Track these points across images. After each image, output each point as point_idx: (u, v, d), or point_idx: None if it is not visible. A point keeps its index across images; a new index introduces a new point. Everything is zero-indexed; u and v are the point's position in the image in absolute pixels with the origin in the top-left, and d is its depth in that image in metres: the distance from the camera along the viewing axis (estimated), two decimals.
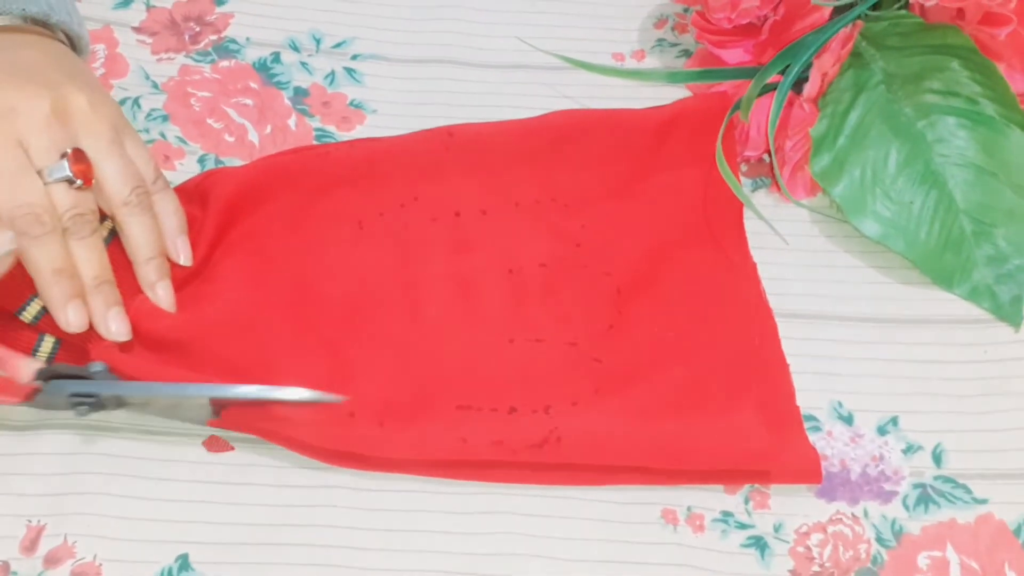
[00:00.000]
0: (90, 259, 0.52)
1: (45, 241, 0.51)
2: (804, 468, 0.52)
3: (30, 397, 0.50)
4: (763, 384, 0.54)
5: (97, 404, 0.51)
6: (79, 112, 0.53)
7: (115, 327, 0.53)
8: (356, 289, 0.57)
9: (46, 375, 0.50)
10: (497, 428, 0.52)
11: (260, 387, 0.50)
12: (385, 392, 0.53)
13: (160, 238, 0.55)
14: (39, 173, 0.51)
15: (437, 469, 0.52)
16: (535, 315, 0.57)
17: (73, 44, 0.59)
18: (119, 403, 0.51)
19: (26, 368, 0.50)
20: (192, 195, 0.59)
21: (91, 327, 0.52)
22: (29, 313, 0.52)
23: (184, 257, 0.56)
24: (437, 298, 0.57)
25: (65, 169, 0.51)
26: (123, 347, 0.53)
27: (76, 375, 0.51)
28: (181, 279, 0.56)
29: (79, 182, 0.51)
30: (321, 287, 0.57)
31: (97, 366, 0.51)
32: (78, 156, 0.52)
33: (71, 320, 0.52)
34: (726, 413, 0.53)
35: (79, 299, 0.52)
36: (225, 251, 0.58)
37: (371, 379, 0.54)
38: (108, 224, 0.55)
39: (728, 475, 0.52)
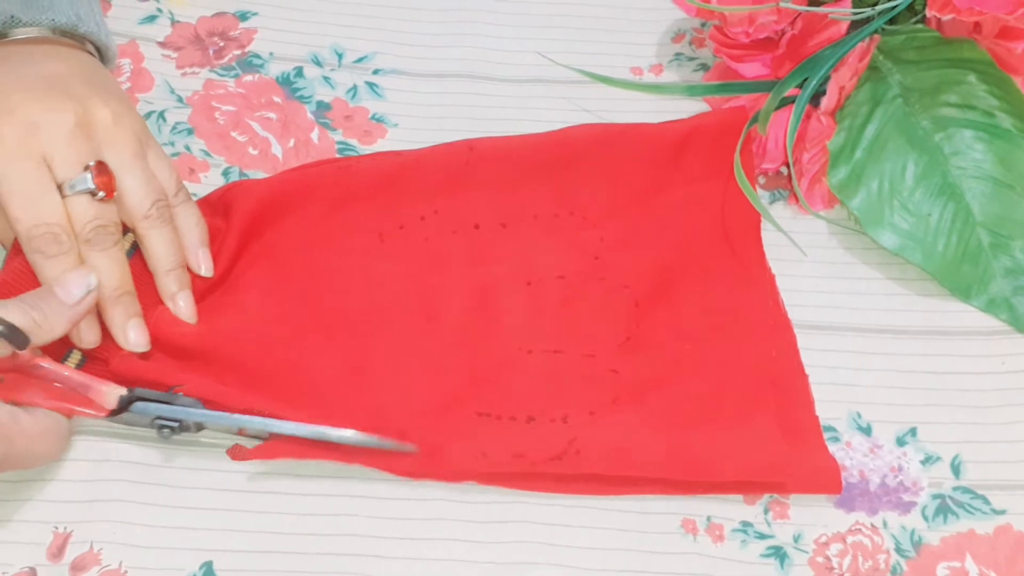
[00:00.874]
0: (111, 270, 0.53)
1: (61, 261, 0.52)
2: (823, 478, 0.52)
3: (114, 415, 0.51)
4: (781, 395, 0.55)
5: (181, 428, 0.51)
6: (103, 125, 0.54)
7: (134, 337, 0.53)
8: (376, 301, 0.58)
9: (130, 399, 0.51)
10: (516, 439, 0.53)
11: (356, 432, 0.51)
12: (405, 403, 0.54)
13: (181, 250, 0.56)
14: (60, 186, 0.52)
15: (460, 476, 0.52)
16: (553, 326, 0.57)
17: (101, 55, 0.60)
18: (199, 427, 0.52)
19: (111, 395, 0.50)
20: (215, 207, 0.59)
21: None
22: (72, 361, 0.54)
23: (205, 269, 0.57)
24: (456, 309, 0.57)
25: (88, 181, 0.52)
26: (143, 356, 0.54)
27: (159, 400, 0.51)
28: (202, 291, 0.57)
29: (101, 194, 0.52)
30: (342, 299, 0.58)
31: (180, 394, 0.52)
32: (101, 168, 0.52)
33: (84, 337, 0.53)
34: (744, 424, 0.53)
35: (92, 316, 0.53)
36: (247, 263, 0.58)
37: (391, 391, 0.54)
38: (130, 237, 0.55)
39: (747, 485, 0.53)
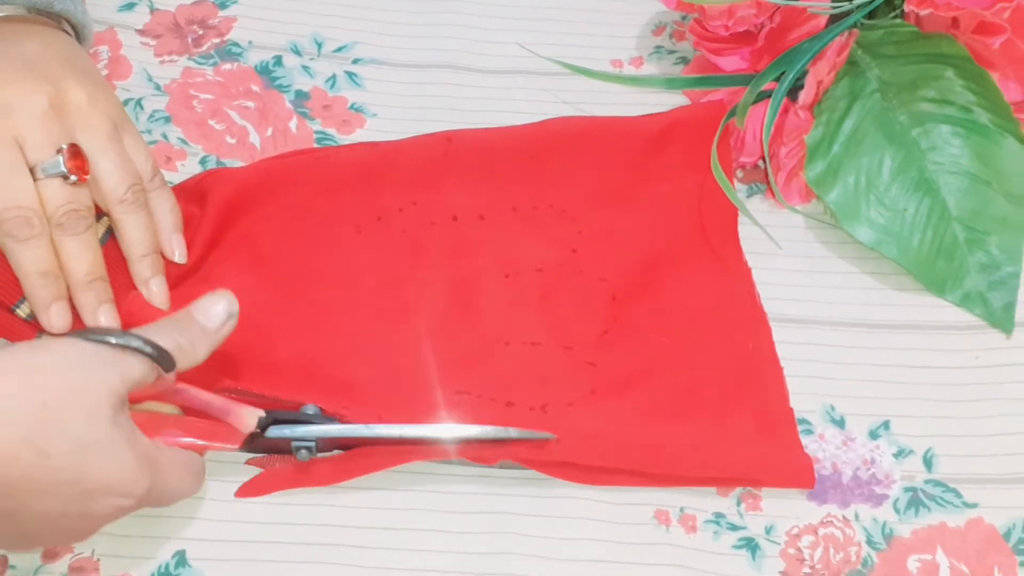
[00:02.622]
0: (83, 255, 0.53)
1: (33, 244, 0.51)
2: (797, 474, 0.53)
3: (249, 443, 0.48)
4: (757, 389, 0.55)
5: (319, 448, 0.49)
6: (77, 107, 0.53)
7: (104, 323, 0.53)
8: (353, 292, 0.58)
9: (265, 422, 0.48)
10: (494, 419, 0.53)
11: (492, 428, 0.51)
12: (383, 392, 0.54)
13: (155, 235, 0.56)
14: (33, 169, 0.51)
15: (437, 452, 0.52)
16: (531, 319, 0.57)
17: (78, 34, 0.60)
18: (336, 445, 0.51)
19: (248, 417, 0.48)
20: (191, 194, 0.59)
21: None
22: (23, 311, 0.53)
23: (179, 255, 0.56)
24: (434, 301, 0.58)
25: (60, 165, 0.51)
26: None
27: (294, 420, 0.49)
28: (176, 277, 0.56)
29: (73, 178, 0.52)
30: (318, 289, 0.57)
31: (311, 408, 0.50)
32: (74, 152, 0.52)
33: (54, 322, 0.52)
34: (721, 418, 0.53)
35: (63, 301, 0.53)
36: (222, 251, 0.58)
37: (368, 381, 0.54)
38: (105, 222, 0.55)
39: (721, 479, 0.53)
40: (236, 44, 0.67)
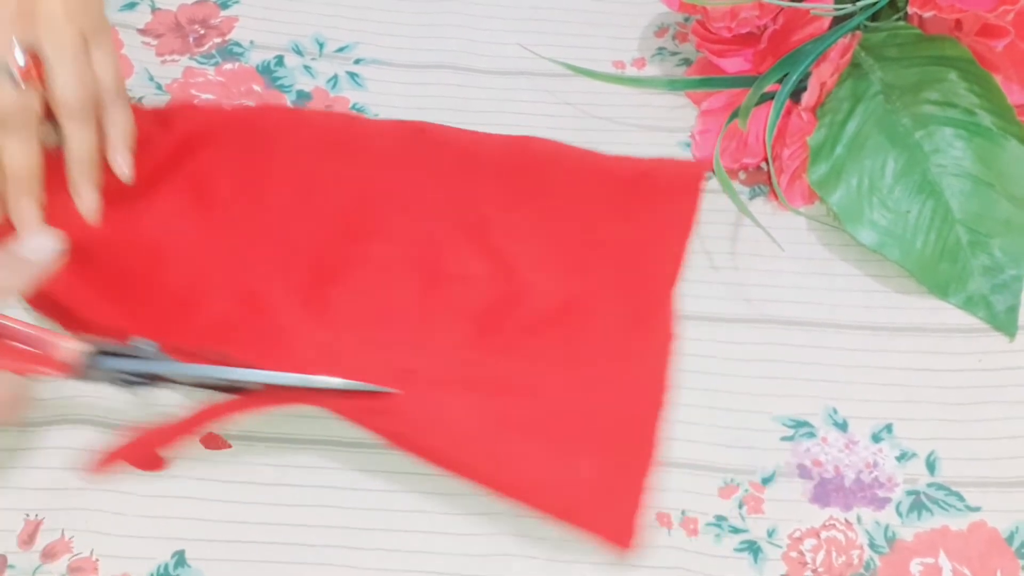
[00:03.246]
0: (17, 154, 0.53)
1: None
2: (616, 532, 0.50)
3: (77, 373, 0.49)
4: (622, 443, 0.53)
5: (146, 381, 0.50)
6: (47, 14, 0.54)
7: (28, 220, 0.54)
8: (278, 250, 0.58)
9: (92, 353, 0.49)
10: (364, 357, 0.53)
11: (342, 380, 0.51)
12: (262, 341, 0.54)
13: (101, 150, 0.56)
14: None
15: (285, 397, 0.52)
16: (428, 303, 0.57)
17: None
18: (169, 381, 0.51)
19: (73, 350, 0.49)
20: (158, 118, 0.59)
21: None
22: None
23: (124, 170, 0.57)
24: (346, 270, 0.58)
25: (10, 68, 0.52)
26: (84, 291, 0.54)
27: (123, 353, 0.50)
28: (117, 194, 0.57)
29: (23, 84, 0.52)
30: (249, 239, 0.58)
31: (142, 343, 0.50)
32: (31, 55, 0.53)
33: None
34: (568, 453, 0.52)
35: None
36: (175, 183, 0.58)
37: (251, 330, 0.55)
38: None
39: (539, 506, 0.51)
40: (238, 44, 0.67)
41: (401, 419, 0.51)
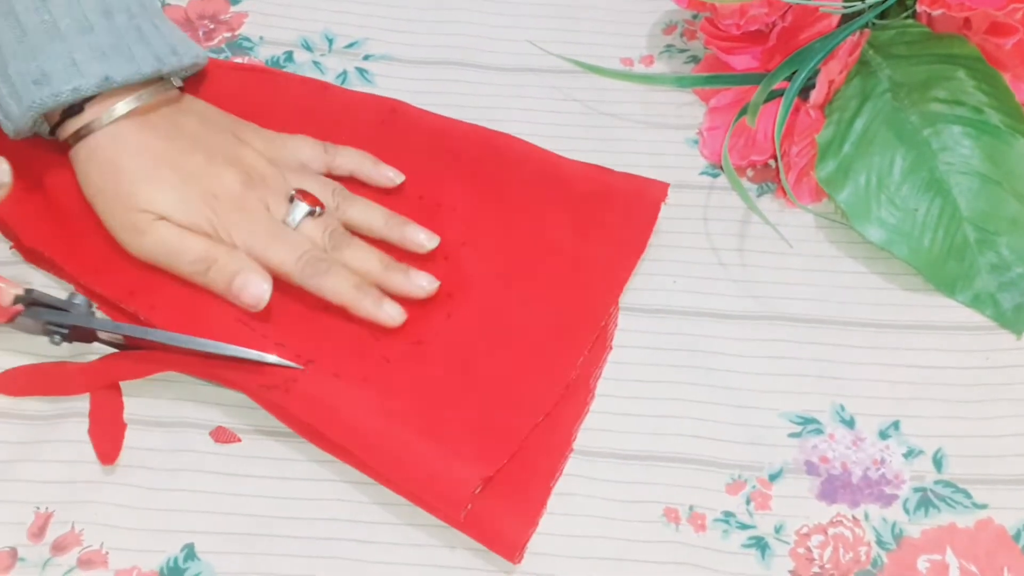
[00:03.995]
0: (369, 255, 0.57)
1: (334, 271, 0.55)
2: (505, 544, 0.50)
3: (9, 320, 0.51)
4: (523, 453, 0.52)
5: (71, 336, 0.53)
6: (274, 157, 0.59)
7: (394, 312, 0.56)
8: None
9: (25, 301, 0.51)
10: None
11: (252, 351, 0.53)
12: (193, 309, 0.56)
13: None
14: (285, 223, 0.56)
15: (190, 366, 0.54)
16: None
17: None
18: (92, 338, 0.54)
19: (6, 293, 0.51)
20: None
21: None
22: None
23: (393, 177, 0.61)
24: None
25: (303, 206, 0.56)
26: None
27: (55, 305, 0.52)
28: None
29: (317, 209, 0.56)
30: None
31: (78, 299, 0.53)
32: (301, 192, 0.57)
33: (394, 315, 0.55)
34: (457, 460, 0.51)
35: (385, 296, 0.56)
36: None
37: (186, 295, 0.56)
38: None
39: (422, 501, 0.51)
40: (247, 39, 0.67)
41: (299, 404, 0.52)
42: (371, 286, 0.56)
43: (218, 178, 0.56)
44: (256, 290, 0.54)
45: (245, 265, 0.54)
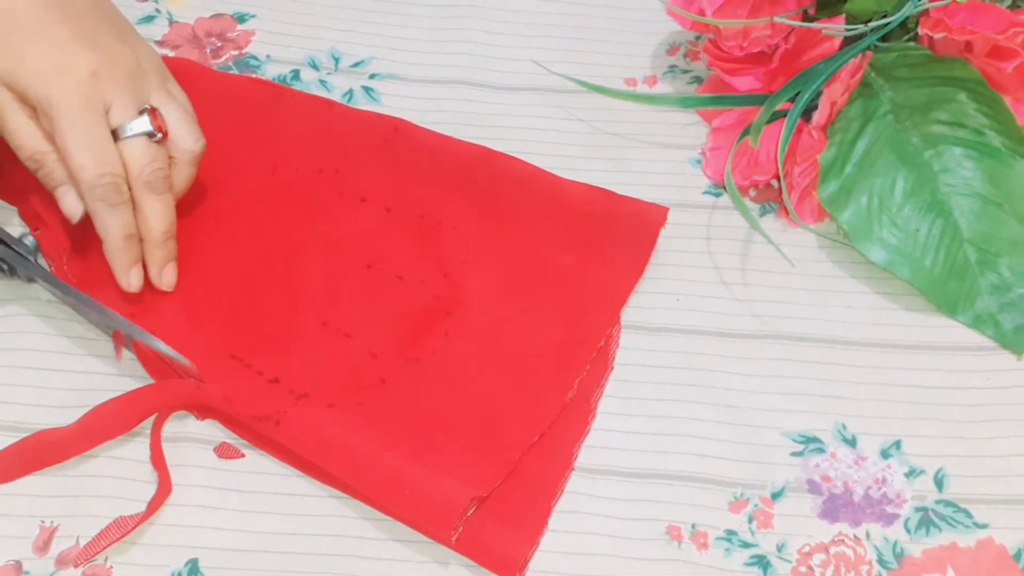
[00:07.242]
0: (164, 214, 0.55)
1: (122, 210, 0.53)
2: (500, 561, 0.50)
3: None
4: (517, 475, 0.53)
5: (10, 271, 0.55)
6: (146, 68, 0.56)
7: (167, 280, 0.56)
8: (230, 229, 0.60)
9: None
10: (245, 388, 0.54)
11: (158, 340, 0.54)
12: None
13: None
14: (115, 131, 0.53)
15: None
16: (359, 312, 0.57)
17: None
18: (30, 279, 0.56)
19: None
20: None
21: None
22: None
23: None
24: (281, 262, 0.59)
25: (147, 124, 0.53)
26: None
27: (4, 240, 0.55)
28: None
29: (159, 135, 0.54)
30: (215, 213, 0.60)
31: (28, 240, 0.55)
32: (155, 112, 0.54)
33: (133, 283, 0.55)
34: (452, 476, 0.51)
35: (140, 263, 0.55)
36: None
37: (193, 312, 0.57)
38: None
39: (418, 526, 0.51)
40: (254, 57, 0.68)
41: (290, 435, 0.52)
42: (136, 243, 0.54)
43: (71, 55, 0.52)
44: (71, 209, 0.54)
45: (67, 180, 0.54)
